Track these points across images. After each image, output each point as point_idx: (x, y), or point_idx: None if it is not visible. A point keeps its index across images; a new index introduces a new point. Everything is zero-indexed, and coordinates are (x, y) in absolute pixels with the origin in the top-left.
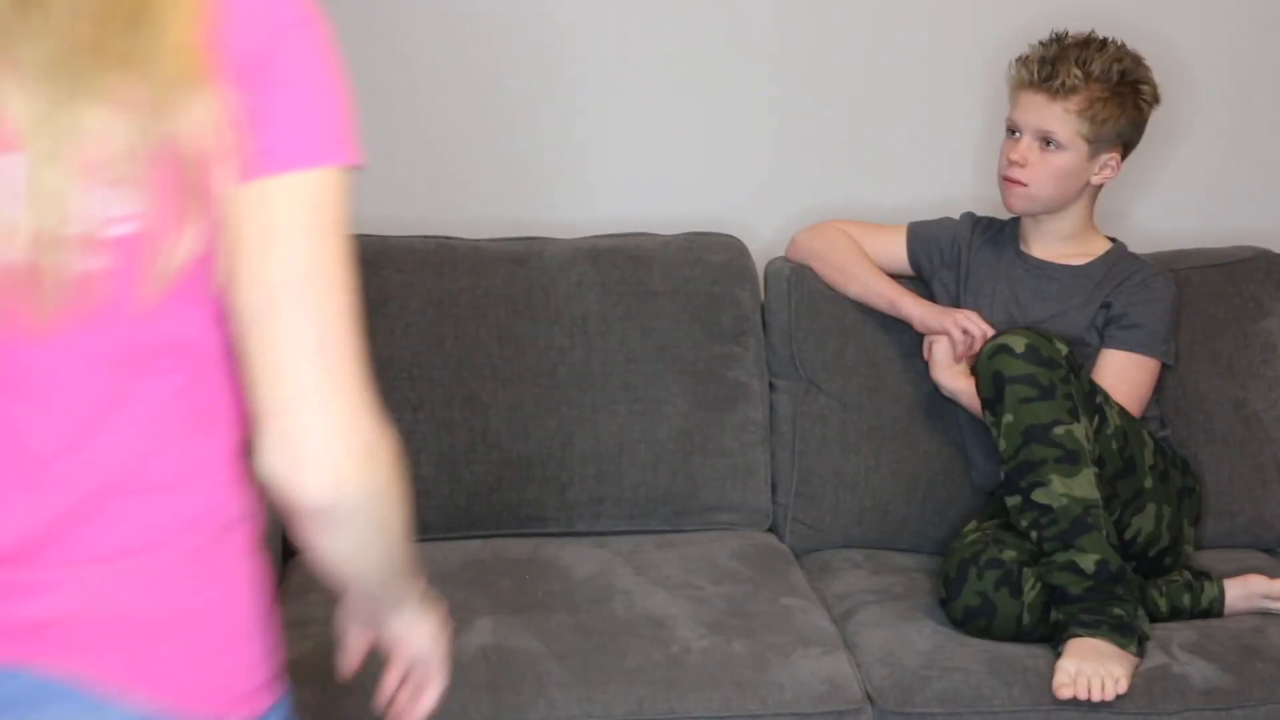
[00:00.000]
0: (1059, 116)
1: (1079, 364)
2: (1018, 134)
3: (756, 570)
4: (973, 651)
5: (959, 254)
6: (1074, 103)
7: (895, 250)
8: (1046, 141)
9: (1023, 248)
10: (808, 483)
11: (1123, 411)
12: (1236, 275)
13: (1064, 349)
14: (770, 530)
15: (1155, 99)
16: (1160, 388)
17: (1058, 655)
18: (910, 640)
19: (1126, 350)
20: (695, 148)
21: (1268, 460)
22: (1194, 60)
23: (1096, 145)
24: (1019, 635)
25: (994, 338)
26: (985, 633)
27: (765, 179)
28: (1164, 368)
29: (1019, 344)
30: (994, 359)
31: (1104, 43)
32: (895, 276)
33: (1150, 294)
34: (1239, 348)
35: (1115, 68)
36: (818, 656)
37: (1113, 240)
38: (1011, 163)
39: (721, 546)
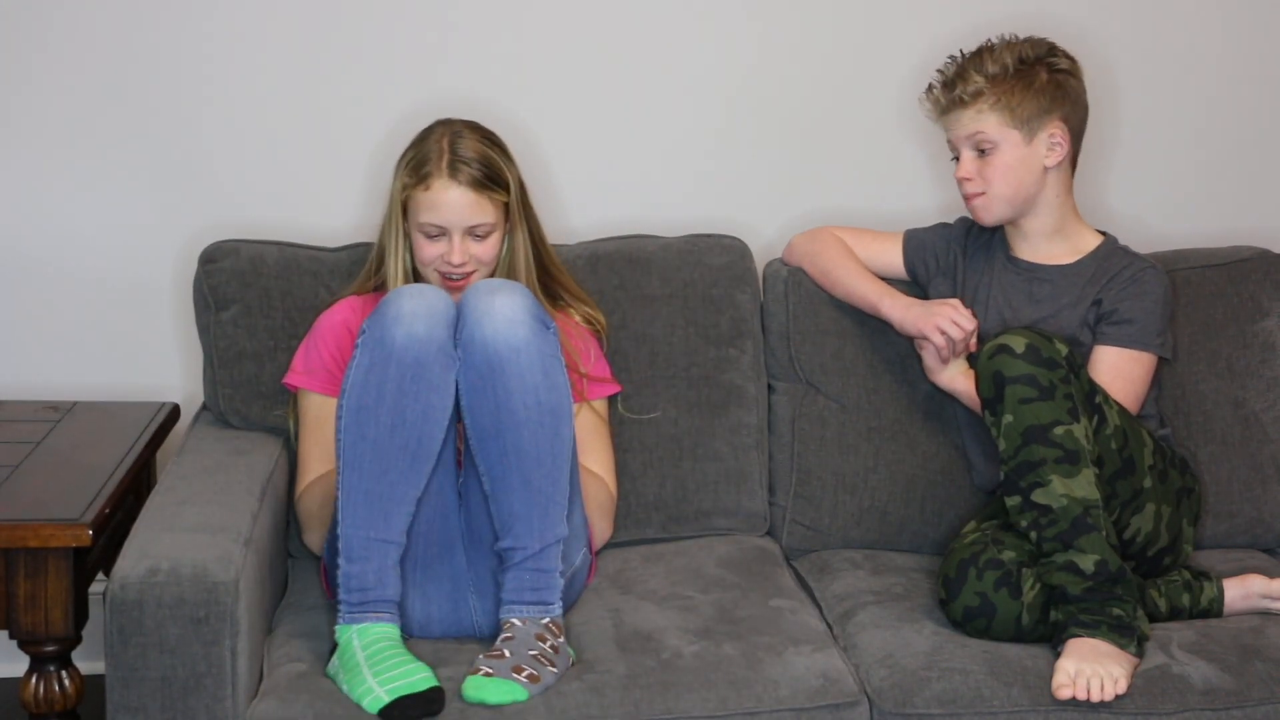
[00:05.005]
0: (974, 118)
1: (1078, 364)
2: (956, 156)
3: (744, 575)
4: (972, 652)
5: (954, 260)
6: (983, 102)
7: (891, 257)
8: (980, 149)
9: (1012, 252)
10: (807, 484)
11: (1122, 411)
12: (1236, 275)
13: (1064, 349)
14: (769, 534)
15: (1072, 66)
16: (1159, 387)
17: (1057, 655)
18: (910, 641)
19: (1119, 346)
20: (700, 149)
21: (1267, 460)
22: (1193, 61)
23: (1027, 127)
24: (1018, 635)
25: (994, 337)
26: (985, 633)
27: (769, 180)
28: (1162, 361)
29: (1019, 344)
30: (994, 359)
31: (995, 45)
32: (893, 283)
33: (1140, 288)
34: (1238, 348)
35: (1010, 61)
36: (810, 654)
37: (1104, 234)
38: (961, 181)
39: (709, 554)
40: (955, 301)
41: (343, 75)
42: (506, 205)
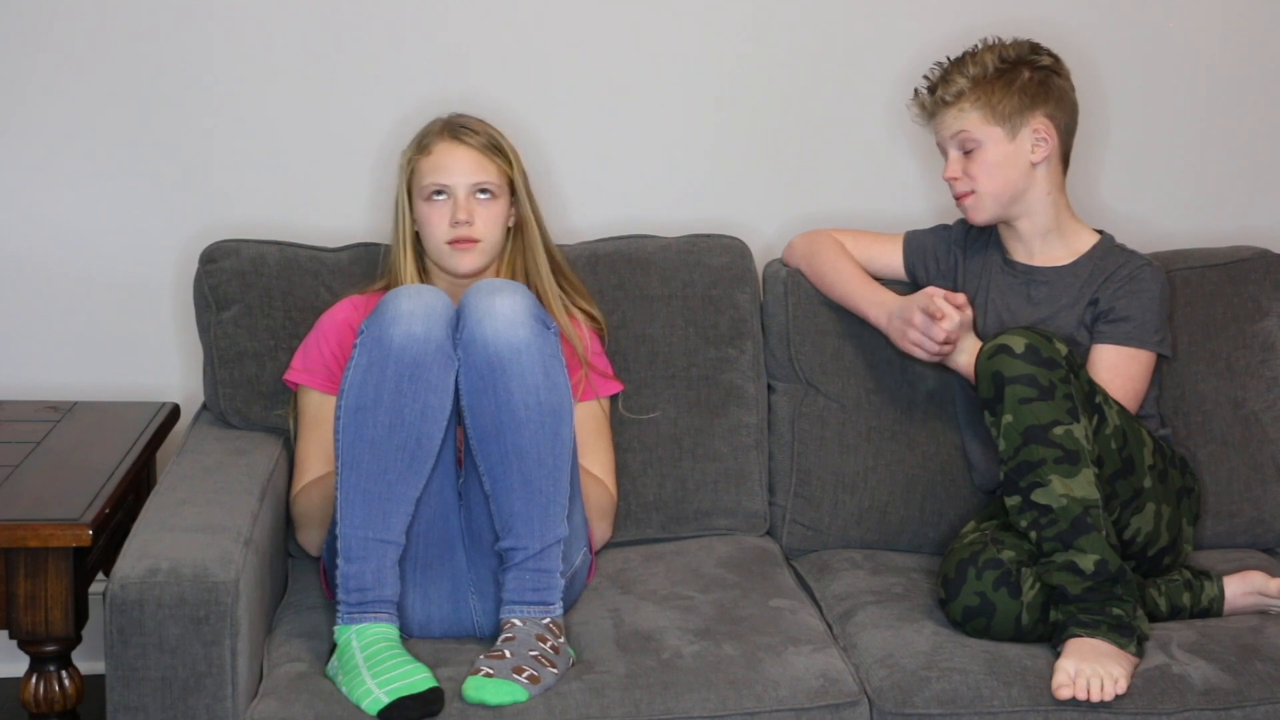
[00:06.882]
0: (957, 117)
1: (1078, 364)
2: (946, 157)
3: (744, 575)
4: (972, 652)
5: (954, 262)
6: (965, 101)
7: (891, 259)
8: (966, 148)
9: (1009, 255)
10: (807, 484)
11: (1122, 411)
12: (1236, 275)
13: (1063, 349)
14: (769, 534)
15: (1055, 64)
16: (1159, 387)
17: (1057, 655)
18: (909, 641)
19: (1117, 344)
20: (699, 150)
21: (1267, 460)
22: (1192, 60)
23: (1010, 123)
24: (1018, 635)
25: (994, 337)
26: (984, 633)
27: (768, 181)
28: (1161, 360)
29: (1018, 344)
30: (994, 359)
31: (978, 49)
32: (894, 284)
33: (1137, 286)
34: (1237, 348)
35: (991, 61)
36: (809, 654)
37: (1101, 233)
38: (950, 181)
39: (709, 553)
40: (926, 296)
41: (344, 76)
42: (511, 181)
